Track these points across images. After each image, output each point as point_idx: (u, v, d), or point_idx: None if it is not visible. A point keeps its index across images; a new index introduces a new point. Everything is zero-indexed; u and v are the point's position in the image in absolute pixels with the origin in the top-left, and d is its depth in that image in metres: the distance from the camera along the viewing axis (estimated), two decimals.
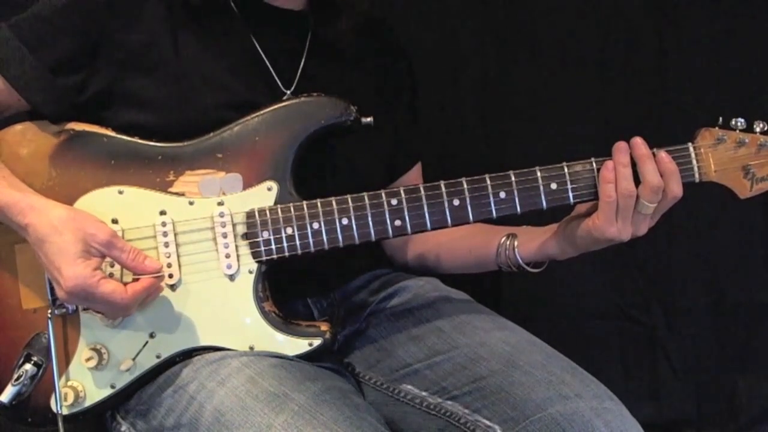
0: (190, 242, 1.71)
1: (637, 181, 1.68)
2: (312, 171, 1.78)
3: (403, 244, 2.12)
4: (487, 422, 1.64)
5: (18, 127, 1.76)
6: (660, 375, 2.75)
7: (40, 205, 1.63)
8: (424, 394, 1.76)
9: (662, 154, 1.69)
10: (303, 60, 1.89)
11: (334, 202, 1.70)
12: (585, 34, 2.60)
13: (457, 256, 2.03)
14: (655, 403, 2.74)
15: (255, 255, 1.71)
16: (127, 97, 1.75)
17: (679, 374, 2.75)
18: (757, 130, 1.71)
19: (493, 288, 2.60)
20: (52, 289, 1.70)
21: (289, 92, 1.85)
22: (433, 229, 1.72)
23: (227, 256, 1.70)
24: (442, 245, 2.05)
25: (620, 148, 1.69)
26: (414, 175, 2.12)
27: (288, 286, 1.80)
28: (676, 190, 1.68)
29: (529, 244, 1.84)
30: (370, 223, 1.71)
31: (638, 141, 1.69)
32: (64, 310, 1.70)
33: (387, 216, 1.71)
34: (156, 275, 1.63)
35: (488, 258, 1.92)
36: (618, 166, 1.68)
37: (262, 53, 1.85)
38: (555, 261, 1.84)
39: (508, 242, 1.86)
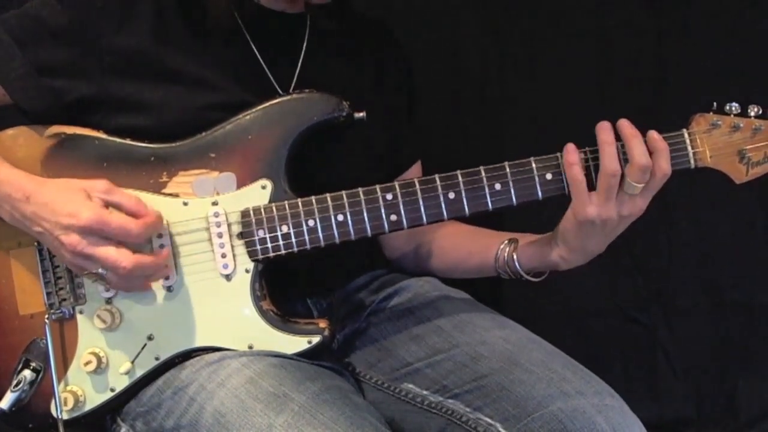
0: (185, 243, 1.67)
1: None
2: (308, 168, 1.73)
3: (402, 247, 2.08)
4: (489, 420, 1.60)
5: (10, 131, 1.72)
6: (660, 375, 2.70)
7: (39, 180, 1.61)
8: (425, 392, 1.71)
9: (653, 133, 1.64)
10: (300, 62, 1.84)
11: (329, 199, 1.66)
12: (585, 33, 2.57)
13: (457, 259, 1.98)
14: (655, 403, 2.69)
15: (251, 254, 1.67)
16: (118, 102, 1.70)
17: (679, 374, 2.70)
18: (752, 114, 1.66)
19: (494, 287, 2.53)
20: (48, 293, 1.68)
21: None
22: (429, 222, 1.67)
23: (223, 255, 1.66)
24: (443, 248, 2.01)
25: (603, 127, 1.64)
26: (414, 174, 2.07)
27: (288, 287, 1.76)
28: (665, 167, 1.62)
29: (528, 250, 1.79)
30: (366, 219, 1.66)
31: (625, 122, 1.64)
32: (61, 314, 1.66)
33: (383, 211, 1.66)
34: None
35: (488, 263, 1.87)
36: (603, 146, 1.62)
37: (258, 56, 1.81)
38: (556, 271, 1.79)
39: (507, 248, 1.81)
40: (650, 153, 1.62)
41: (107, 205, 1.58)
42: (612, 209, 1.63)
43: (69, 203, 1.54)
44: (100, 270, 1.55)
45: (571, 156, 1.63)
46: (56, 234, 1.55)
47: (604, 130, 1.63)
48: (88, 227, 1.52)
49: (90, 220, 1.52)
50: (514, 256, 1.80)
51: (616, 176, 1.61)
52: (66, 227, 1.53)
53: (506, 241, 1.82)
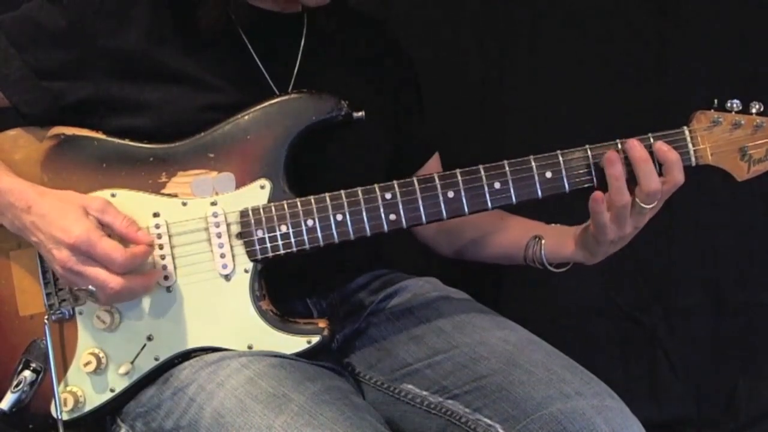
0: (184, 243, 1.64)
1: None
2: (311, 169, 1.71)
3: (440, 239, 2.08)
4: (488, 421, 1.57)
5: (10, 133, 1.70)
6: (660, 375, 2.68)
7: (41, 190, 1.59)
8: (424, 393, 1.69)
9: (661, 145, 1.61)
10: (297, 62, 1.82)
11: (327, 198, 1.63)
12: (585, 33, 2.56)
13: (491, 250, 1.98)
14: (655, 403, 2.68)
15: (250, 254, 1.64)
16: (117, 103, 1.68)
17: (679, 374, 2.68)
18: (753, 111, 1.64)
19: (493, 288, 2.55)
20: (48, 294, 1.66)
21: None
22: (428, 222, 1.65)
23: (222, 256, 1.63)
24: (477, 240, 2.00)
25: (612, 160, 1.60)
26: (432, 168, 2.06)
27: (287, 287, 1.73)
28: (679, 177, 1.61)
29: (555, 248, 1.79)
30: (365, 218, 1.63)
31: (635, 144, 1.61)
32: (60, 314, 1.64)
33: (381, 210, 1.63)
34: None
35: (518, 255, 1.87)
36: (612, 180, 1.60)
37: (256, 57, 1.78)
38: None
39: (535, 244, 1.81)
40: (660, 164, 1.60)
41: (101, 224, 1.56)
42: (628, 227, 1.63)
43: (64, 218, 1.53)
44: (90, 287, 1.53)
45: (598, 205, 1.61)
46: (49, 247, 1.53)
47: (613, 164, 1.60)
48: (76, 246, 1.51)
49: (78, 239, 1.50)
50: (543, 254, 1.79)
51: (626, 207, 1.60)
52: (57, 241, 1.52)
53: (534, 238, 1.82)
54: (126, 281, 1.53)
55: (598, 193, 1.60)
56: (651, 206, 1.60)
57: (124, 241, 1.56)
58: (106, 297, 1.54)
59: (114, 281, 1.52)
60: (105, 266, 1.52)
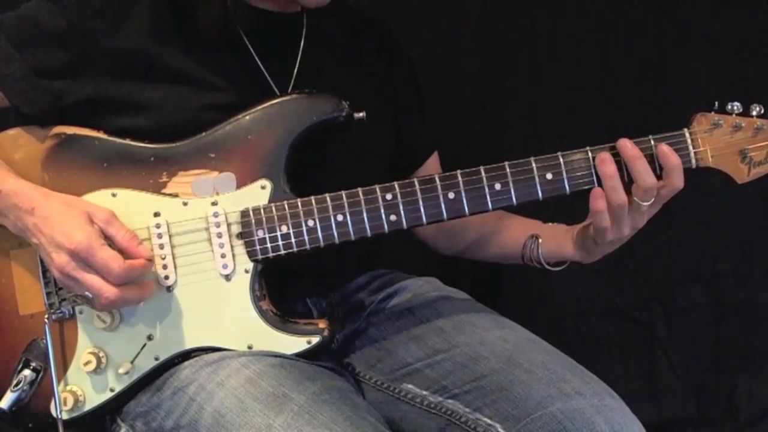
0: (185, 243, 1.64)
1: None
2: (310, 168, 1.71)
3: (440, 238, 2.09)
4: (488, 420, 1.57)
5: (10, 132, 1.69)
6: (660, 375, 2.69)
7: (46, 192, 1.59)
8: (424, 393, 1.69)
9: (664, 148, 1.61)
10: (297, 62, 1.81)
11: (328, 199, 1.63)
12: (585, 33, 2.56)
13: (491, 250, 2.00)
14: (655, 403, 2.68)
15: (251, 254, 1.64)
16: (117, 103, 1.68)
17: (679, 374, 2.69)
18: (754, 113, 1.63)
19: (493, 287, 2.54)
20: (48, 293, 1.65)
21: None
22: (428, 223, 1.64)
23: (223, 256, 1.63)
24: (476, 240, 2.02)
25: (603, 159, 1.61)
26: (431, 167, 2.07)
27: (287, 287, 1.74)
28: (678, 182, 1.61)
29: (553, 248, 1.81)
30: (366, 219, 1.63)
31: (626, 143, 1.61)
32: (61, 314, 1.64)
33: (382, 211, 1.63)
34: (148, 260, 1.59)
35: (516, 254, 1.88)
36: (606, 179, 1.60)
37: (256, 57, 1.78)
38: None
39: (532, 244, 1.83)
40: (660, 168, 1.61)
41: (104, 235, 1.56)
42: (626, 228, 1.64)
43: (67, 223, 1.53)
44: (86, 293, 1.53)
45: (598, 203, 1.61)
46: (48, 250, 1.53)
47: (604, 163, 1.61)
48: (76, 252, 1.50)
49: (79, 245, 1.50)
50: (540, 253, 1.81)
51: (623, 207, 1.60)
52: (58, 245, 1.52)
53: (530, 237, 1.84)
54: (121, 291, 1.53)
55: (598, 189, 1.61)
56: (648, 203, 1.61)
57: (123, 253, 1.56)
58: (100, 305, 1.54)
59: (109, 291, 1.52)
60: (101, 275, 1.52)
